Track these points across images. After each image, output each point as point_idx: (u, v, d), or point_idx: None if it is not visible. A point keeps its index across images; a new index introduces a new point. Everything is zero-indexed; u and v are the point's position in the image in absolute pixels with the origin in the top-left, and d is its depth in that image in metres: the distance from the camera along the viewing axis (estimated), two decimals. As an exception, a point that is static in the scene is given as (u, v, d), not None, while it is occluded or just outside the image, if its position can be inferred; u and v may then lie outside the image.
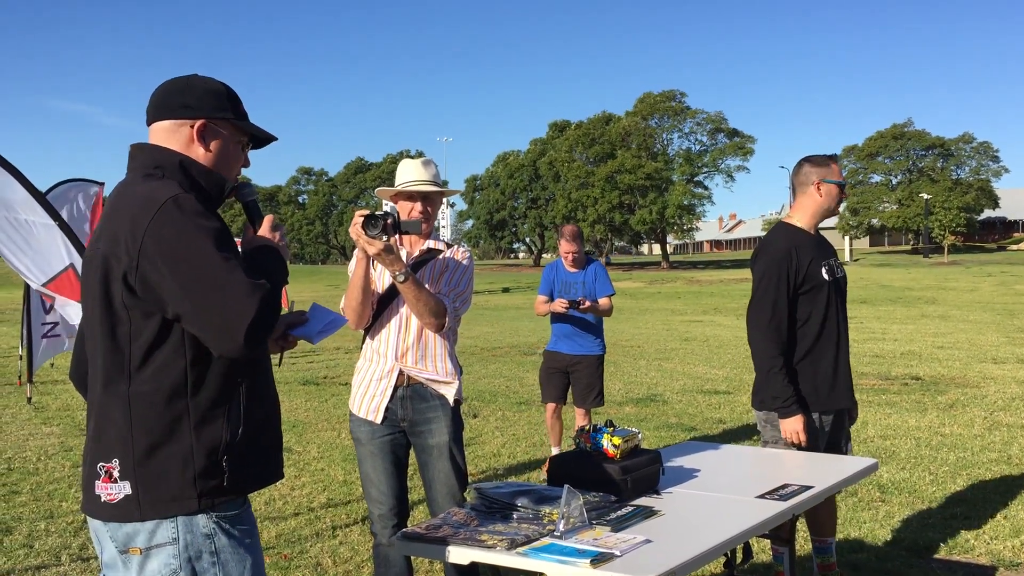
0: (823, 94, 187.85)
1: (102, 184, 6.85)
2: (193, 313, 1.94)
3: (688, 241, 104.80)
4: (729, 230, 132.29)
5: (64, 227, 4.75)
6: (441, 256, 3.57)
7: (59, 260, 4.90)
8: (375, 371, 3.54)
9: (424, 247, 3.58)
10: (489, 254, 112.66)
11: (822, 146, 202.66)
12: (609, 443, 3.12)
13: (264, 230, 2.26)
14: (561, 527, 2.58)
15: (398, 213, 3.32)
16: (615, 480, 3.00)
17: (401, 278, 3.27)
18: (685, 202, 68.96)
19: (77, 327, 3.72)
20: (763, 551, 4.52)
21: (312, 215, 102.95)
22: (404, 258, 3.48)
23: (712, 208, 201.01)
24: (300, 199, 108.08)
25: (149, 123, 2.19)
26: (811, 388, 3.94)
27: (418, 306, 3.35)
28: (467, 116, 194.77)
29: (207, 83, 2.20)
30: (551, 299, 6.85)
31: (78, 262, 4.66)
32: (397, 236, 3.39)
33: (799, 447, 3.86)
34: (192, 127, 2.15)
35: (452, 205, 41.24)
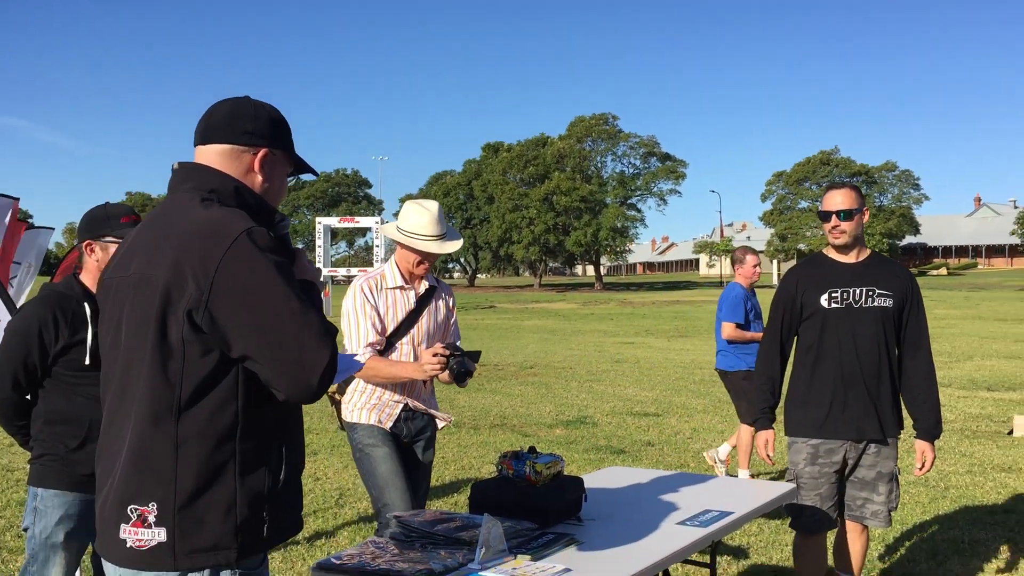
0: (753, 121, 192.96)
1: (16, 199, 6.62)
2: (267, 354, 1.83)
3: (621, 263, 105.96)
4: (662, 252, 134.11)
5: None
6: (439, 299, 3.91)
7: None
8: (385, 395, 3.78)
9: (425, 287, 3.87)
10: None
11: (752, 172, 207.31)
12: (531, 470, 3.09)
13: (298, 263, 2.13)
14: (480, 556, 2.55)
15: (465, 355, 3.57)
16: (536, 507, 2.98)
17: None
18: (619, 224, 69.74)
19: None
20: None
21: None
22: (413, 297, 3.83)
23: (645, 231, 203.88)
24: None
25: (201, 143, 2.06)
26: (807, 413, 3.95)
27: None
28: (402, 135, 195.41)
29: (270, 111, 2.12)
30: (744, 325, 6.85)
31: None
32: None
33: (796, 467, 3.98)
34: (254, 155, 2.06)
35: (384, 222, 40.91)
